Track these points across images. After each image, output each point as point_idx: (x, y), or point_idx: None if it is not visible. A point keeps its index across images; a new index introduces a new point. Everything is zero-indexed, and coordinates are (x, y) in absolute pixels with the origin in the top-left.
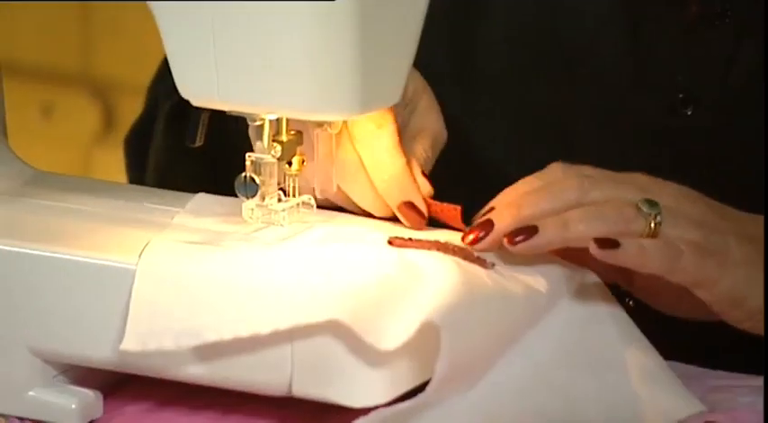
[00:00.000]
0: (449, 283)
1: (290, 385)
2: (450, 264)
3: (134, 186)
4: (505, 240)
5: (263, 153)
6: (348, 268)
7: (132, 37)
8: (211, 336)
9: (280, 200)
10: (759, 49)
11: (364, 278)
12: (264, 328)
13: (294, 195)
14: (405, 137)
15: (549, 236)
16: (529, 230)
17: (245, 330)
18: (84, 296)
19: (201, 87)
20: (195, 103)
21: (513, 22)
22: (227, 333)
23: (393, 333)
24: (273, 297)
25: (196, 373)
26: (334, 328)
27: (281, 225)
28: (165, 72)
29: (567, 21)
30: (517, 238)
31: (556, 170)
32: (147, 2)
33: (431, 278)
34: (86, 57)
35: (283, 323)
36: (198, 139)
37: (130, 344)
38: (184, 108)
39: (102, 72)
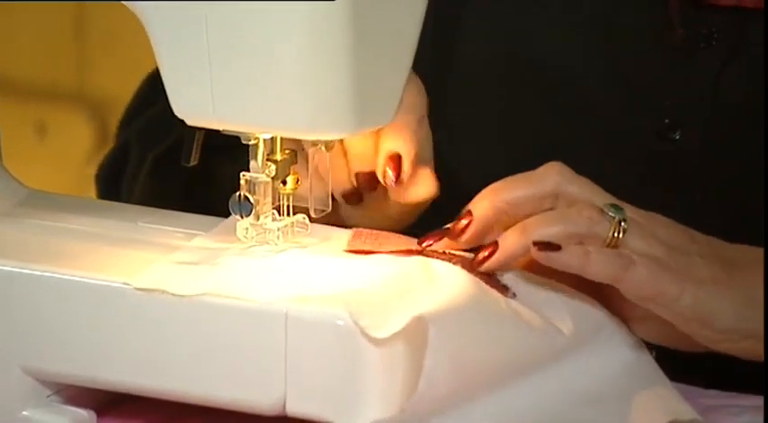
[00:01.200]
0: (456, 290)
1: (284, 403)
2: (467, 278)
3: (128, 205)
4: (472, 265)
5: (257, 172)
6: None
7: (127, 55)
8: None
9: (274, 219)
10: (746, 70)
11: (383, 272)
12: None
13: (288, 214)
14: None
15: (510, 246)
16: (490, 247)
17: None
18: (79, 316)
19: (196, 106)
20: (189, 122)
21: (493, 49)
22: None
23: (388, 325)
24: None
25: (189, 392)
26: (331, 332)
27: (275, 244)
28: (135, 111)
29: (550, 46)
30: (480, 258)
31: (551, 166)
32: (142, 21)
33: (442, 284)
34: (81, 75)
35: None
36: (192, 158)
37: None
38: (171, 156)
39: (97, 91)
